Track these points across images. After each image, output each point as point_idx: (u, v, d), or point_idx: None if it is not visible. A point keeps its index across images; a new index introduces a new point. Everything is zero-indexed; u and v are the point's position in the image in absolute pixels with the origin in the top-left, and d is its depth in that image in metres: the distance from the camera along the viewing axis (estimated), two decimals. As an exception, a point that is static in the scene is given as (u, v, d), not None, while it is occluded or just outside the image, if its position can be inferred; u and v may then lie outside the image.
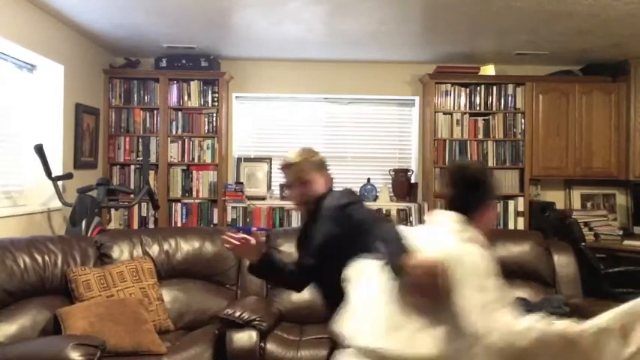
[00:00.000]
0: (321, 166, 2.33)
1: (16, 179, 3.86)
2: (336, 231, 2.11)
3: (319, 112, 5.42)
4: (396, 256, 1.70)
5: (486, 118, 5.15)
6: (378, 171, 5.40)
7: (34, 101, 4.02)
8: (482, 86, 5.14)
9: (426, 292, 1.63)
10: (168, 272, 3.29)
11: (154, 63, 5.08)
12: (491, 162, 5.13)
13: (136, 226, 4.98)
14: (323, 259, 2.15)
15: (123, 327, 2.67)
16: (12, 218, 3.52)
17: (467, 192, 1.82)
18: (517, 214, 5.09)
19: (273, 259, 2.31)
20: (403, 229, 1.83)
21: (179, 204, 5.04)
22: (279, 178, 5.00)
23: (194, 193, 5.05)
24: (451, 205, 1.83)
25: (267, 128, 5.39)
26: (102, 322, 2.65)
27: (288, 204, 4.89)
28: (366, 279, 1.83)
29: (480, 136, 5.14)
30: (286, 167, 2.30)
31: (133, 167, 5.04)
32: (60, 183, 3.94)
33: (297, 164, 2.28)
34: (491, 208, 1.86)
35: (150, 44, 4.74)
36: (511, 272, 3.51)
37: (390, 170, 5.29)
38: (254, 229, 4.81)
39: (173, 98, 5.04)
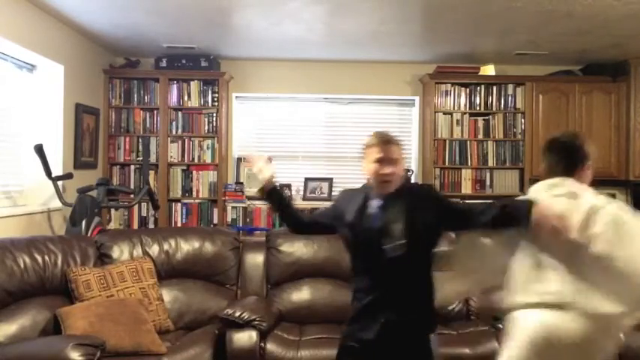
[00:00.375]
0: None
1: (16, 179, 3.86)
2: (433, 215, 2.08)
3: (319, 112, 5.42)
4: (522, 210, 1.96)
5: (486, 118, 5.15)
6: (378, 171, 5.39)
7: (34, 101, 4.02)
8: (482, 86, 5.14)
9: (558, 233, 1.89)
10: (169, 272, 3.29)
11: (154, 63, 5.08)
12: (491, 162, 5.14)
13: (136, 226, 4.98)
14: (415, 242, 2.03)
15: (123, 327, 2.67)
16: (12, 218, 3.52)
17: (569, 157, 2.11)
18: (517, 214, 5.08)
19: (282, 193, 2.36)
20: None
21: (179, 204, 5.04)
22: (279, 178, 4.99)
23: (194, 193, 5.05)
24: (555, 173, 2.11)
25: (267, 128, 5.39)
26: (102, 322, 2.65)
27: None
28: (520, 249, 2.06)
29: (480, 136, 5.14)
30: (393, 142, 2.17)
31: (133, 167, 5.04)
32: (60, 183, 3.94)
33: (400, 144, 2.21)
34: (589, 168, 2.16)
35: (150, 44, 4.74)
36: (511, 272, 3.51)
37: (390, 170, 5.28)
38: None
39: (173, 98, 5.04)
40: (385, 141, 2.16)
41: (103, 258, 3.20)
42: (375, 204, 2.14)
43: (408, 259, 2.02)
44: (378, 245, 2.03)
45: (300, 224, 2.36)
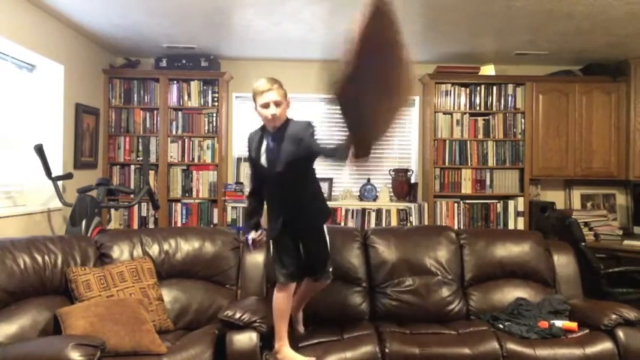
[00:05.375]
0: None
1: (16, 179, 3.86)
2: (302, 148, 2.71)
3: (319, 112, 5.41)
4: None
5: (486, 118, 5.15)
6: (378, 171, 5.40)
7: (34, 101, 4.02)
8: (482, 86, 5.15)
9: None
10: (168, 272, 3.29)
11: (154, 63, 5.08)
12: (491, 162, 5.14)
13: (136, 226, 4.98)
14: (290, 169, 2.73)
15: (123, 327, 2.67)
16: (12, 218, 3.52)
17: None
18: (517, 214, 5.09)
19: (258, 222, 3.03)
20: None
21: (179, 204, 5.04)
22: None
23: (194, 193, 5.05)
24: None
25: (267, 128, 5.38)
26: (102, 322, 2.65)
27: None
28: None
29: (480, 136, 5.15)
30: (276, 84, 2.73)
31: (133, 167, 5.05)
32: (60, 183, 3.94)
33: (281, 86, 2.75)
34: None
35: (150, 44, 4.74)
36: (511, 272, 3.51)
37: (390, 170, 5.29)
38: None
39: (173, 98, 5.05)
40: (273, 81, 2.73)
41: (103, 258, 3.20)
42: (268, 139, 2.77)
43: (291, 177, 2.74)
44: (273, 169, 2.75)
45: (262, 202, 2.98)
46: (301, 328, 3.16)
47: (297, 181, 2.80)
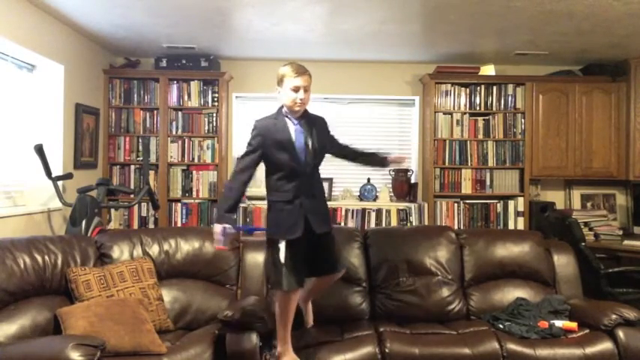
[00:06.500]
0: None
1: (16, 179, 3.86)
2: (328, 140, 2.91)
3: (319, 112, 5.40)
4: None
5: (486, 118, 5.16)
6: (378, 171, 5.39)
7: (34, 101, 4.02)
8: (482, 86, 5.15)
9: None
10: (168, 272, 3.29)
11: (154, 63, 5.08)
12: (491, 162, 5.14)
13: (136, 226, 4.98)
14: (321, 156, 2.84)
15: (123, 327, 2.67)
16: (12, 218, 3.52)
17: None
18: (517, 214, 5.10)
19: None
20: None
21: (179, 204, 5.05)
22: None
23: (194, 193, 5.06)
24: None
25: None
26: (102, 322, 2.65)
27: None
28: None
29: (480, 136, 5.15)
30: (307, 73, 2.75)
31: (133, 167, 5.05)
32: (60, 183, 3.94)
33: (310, 74, 2.77)
34: None
35: (150, 44, 4.74)
36: (511, 272, 3.51)
37: (390, 170, 5.29)
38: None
39: (173, 98, 5.05)
40: (305, 70, 2.74)
41: (103, 258, 3.19)
42: (295, 125, 2.76)
43: (317, 166, 2.82)
44: (305, 155, 2.73)
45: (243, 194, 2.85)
46: (311, 321, 3.09)
47: (317, 172, 2.83)
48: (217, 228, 2.66)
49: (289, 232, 2.65)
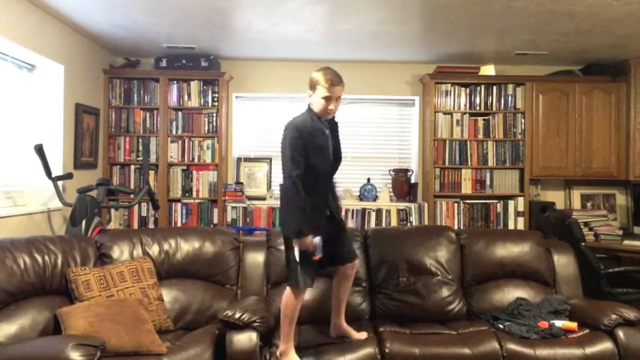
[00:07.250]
0: None
1: (16, 179, 3.86)
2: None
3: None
4: None
5: (486, 118, 5.16)
6: (378, 171, 5.40)
7: (34, 101, 4.02)
8: (482, 86, 5.15)
9: None
10: (169, 272, 3.29)
11: (154, 63, 5.08)
12: (491, 162, 5.14)
13: (136, 226, 4.98)
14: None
15: (123, 327, 2.67)
16: (12, 218, 3.52)
17: None
18: (517, 214, 5.10)
19: None
20: None
21: (179, 204, 5.05)
22: (279, 177, 5.00)
23: (194, 193, 5.06)
24: None
25: (267, 128, 5.38)
26: (102, 322, 2.65)
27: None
28: None
29: (480, 136, 5.15)
30: (341, 84, 2.81)
31: (132, 167, 5.05)
32: (60, 183, 3.94)
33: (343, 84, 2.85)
34: None
35: (150, 44, 4.74)
36: (511, 272, 3.51)
37: (390, 170, 5.30)
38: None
39: (173, 98, 5.05)
40: (340, 80, 2.80)
41: (103, 258, 3.19)
42: (326, 129, 2.87)
43: (336, 168, 2.98)
44: (333, 157, 2.90)
45: None
46: (358, 335, 3.01)
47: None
48: (317, 240, 2.71)
49: (314, 228, 2.73)
